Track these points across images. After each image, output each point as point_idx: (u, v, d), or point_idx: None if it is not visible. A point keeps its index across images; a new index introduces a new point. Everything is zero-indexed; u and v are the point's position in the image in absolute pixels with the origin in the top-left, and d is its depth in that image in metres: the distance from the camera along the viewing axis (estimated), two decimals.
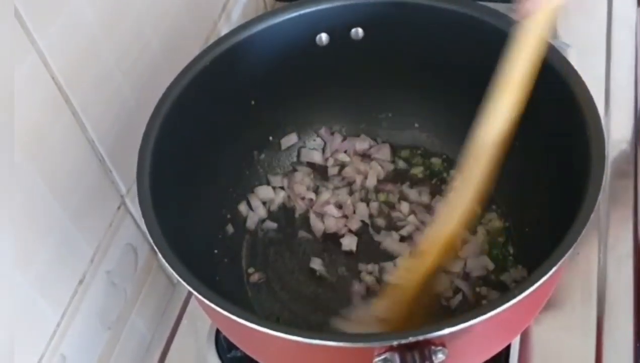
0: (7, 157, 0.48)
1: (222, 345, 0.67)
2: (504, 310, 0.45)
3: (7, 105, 0.48)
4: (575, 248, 0.48)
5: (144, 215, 0.52)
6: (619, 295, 0.67)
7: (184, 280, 0.49)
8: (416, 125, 0.75)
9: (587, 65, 0.80)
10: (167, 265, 0.50)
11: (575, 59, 0.81)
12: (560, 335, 0.65)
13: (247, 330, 0.47)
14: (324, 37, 0.67)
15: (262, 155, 0.74)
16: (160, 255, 0.51)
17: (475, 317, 0.45)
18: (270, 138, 0.74)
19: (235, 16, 0.87)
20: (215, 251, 0.68)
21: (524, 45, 0.52)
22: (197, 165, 0.64)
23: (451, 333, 0.44)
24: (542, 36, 0.52)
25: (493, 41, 0.61)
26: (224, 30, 0.82)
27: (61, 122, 0.57)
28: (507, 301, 0.45)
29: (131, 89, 0.66)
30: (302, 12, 0.64)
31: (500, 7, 0.63)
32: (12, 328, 0.50)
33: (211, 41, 0.66)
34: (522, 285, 0.46)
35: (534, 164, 0.64)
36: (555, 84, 0.57)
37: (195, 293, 0.49)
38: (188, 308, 0.72)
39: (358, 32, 0.67)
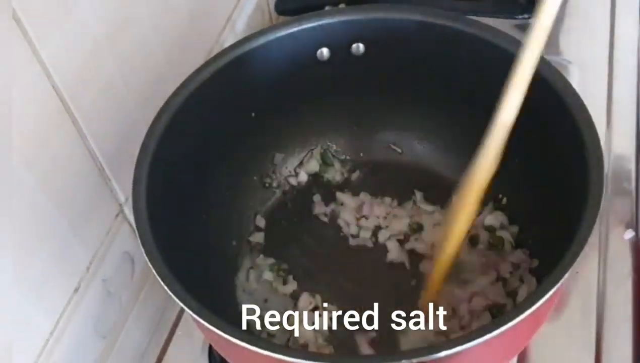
0: (5, 165, 0.48)
1: (215, 357, 0.67)
2: (501, 333, 0.45)
3: (4, 113, 0.48)
4: (573, 270, 0.47)
5: (138, 228, 0.52)
6: (618, 315, 0.66)
7: (175, 295, 0.49)
8: (417, 141, 0.75)
9: (588, 82, 0.81)
10: (158, 278, 0.50)
11: (576, 75, 0.82)
12: (559, 354, 0.64)
13: (237, 347, 0.46)
14: (325, 52, 0.67)
15: (261, 168, 0.74)
16: (150, 266, 0.50)
17: (472, 340, 0.44)
18: (269, 151, 0.74)
19: (240, 28, 0.87)
20: (213, 264, 0.67)
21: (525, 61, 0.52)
22: (195, 176, 0.63)
23: (447, 356, 0.44)
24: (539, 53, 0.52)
25: (491, 58, 0.62)
26: (228, 42, 0.82)
27: (62, 131, 0.57)
28: (505, 324, 0.45)
29: (134, 99, 0.66)
30: (304, 26, 0.64)
31: (498, 23, 0.63)
32: (9, 336, 0.49)
33: (215, 53, 0.66)
34: (519, 307, 0.46)
35: (533, 183, 0.64)
36: (554, 103, 0.57)
37: (186, 308, 0.49)
38: (183, 318, 0.72)
39: (359, 47, 0.67)
